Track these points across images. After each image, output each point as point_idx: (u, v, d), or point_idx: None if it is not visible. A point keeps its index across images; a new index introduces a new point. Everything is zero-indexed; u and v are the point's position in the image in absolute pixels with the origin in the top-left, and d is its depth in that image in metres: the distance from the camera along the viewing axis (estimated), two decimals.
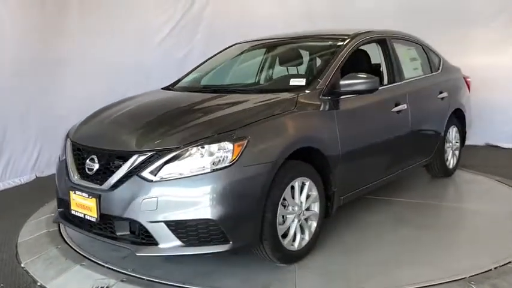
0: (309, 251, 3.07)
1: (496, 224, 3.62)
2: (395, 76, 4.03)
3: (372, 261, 3.00)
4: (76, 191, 2.83)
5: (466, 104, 5.09)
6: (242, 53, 4.18)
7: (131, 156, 2.64)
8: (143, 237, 2.63)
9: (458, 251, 3.15)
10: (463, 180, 4.90)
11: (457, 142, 5.00)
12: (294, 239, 2.97)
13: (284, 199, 2.85)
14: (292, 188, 2.91)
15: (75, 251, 3.23)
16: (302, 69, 3.91)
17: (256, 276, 2.83)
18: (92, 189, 2.74)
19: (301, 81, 3.32)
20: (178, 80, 4.02)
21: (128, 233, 2.69)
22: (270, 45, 4.21)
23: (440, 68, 4.84)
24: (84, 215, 2.79)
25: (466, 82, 5.23)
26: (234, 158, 2.58)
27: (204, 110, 3.04)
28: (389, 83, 3.99)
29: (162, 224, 2.55)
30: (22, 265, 3.14)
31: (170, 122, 2.87)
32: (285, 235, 2.90)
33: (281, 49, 4.21)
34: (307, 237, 3.05)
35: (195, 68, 4.16)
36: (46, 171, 5.36)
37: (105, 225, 2.75)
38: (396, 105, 3.83)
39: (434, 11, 5.92)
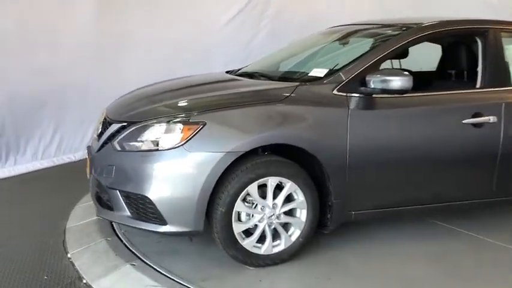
0: (282, 260, 2.77)
1: None
2: (491, 79, 3.15)
3: None
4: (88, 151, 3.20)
5: None
6: (310, 41, 3.88)
7: (111, 125, 2.84)
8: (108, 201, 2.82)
9: None
10: None
11: None
12: (262, 242, 2.72)
13: (249, 195, 2.63)
14: (265, 186, 2.66)
15: (126, 246, 3.00)
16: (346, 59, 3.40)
17: (206, 267, 2.73)
18: (92, 150, 3.06)
19: (322, 72, 2.93)
20: (247, 66, 3.98)
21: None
22: (339, 33, 3.77)
23: None
24: (88, 172, 3.13)
25: None
26: (181, 141, 2.52)
27: (201, 92, 3.00)
28: (481, 87, 3.16)
29: (117, 191, 2.68)
30: (69, 255, 2.96)
31: (160, 99, 2.95)
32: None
33: (344, 38, 3.72)
34: (283, 245, 2.75)
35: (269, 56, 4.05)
36: None
37: (97, 185, 3.03)
38: (475, 116, 3.00)
39: None
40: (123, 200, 2.67)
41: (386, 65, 4.38)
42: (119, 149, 2.70)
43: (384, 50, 2.94)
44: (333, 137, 2.72)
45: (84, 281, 2.67)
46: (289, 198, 2.74)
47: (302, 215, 2.76)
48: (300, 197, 2.73)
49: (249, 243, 2.68)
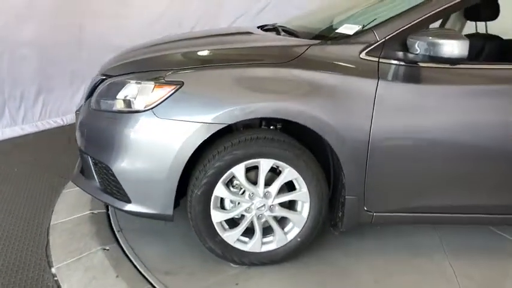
0: (272, 262, 2.23)
1: None
2: None
3: None
4: None
5: None
6: None
7: (95, 79, 2.44)
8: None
9: None
10: None
11: None
12: (250, 236, 2.21)
13: (235, 178, 2.11)
14: (254, 169, 2.12)
15: (131, 262, 2.24)
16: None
17: (180, 256, 2.29)
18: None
19: (351, 29, 2.25)
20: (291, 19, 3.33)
21: None
22: None
23: None
24: None
25: None
26: (150, 103, 2.03)
27: (197, 45, 2.47)
28: None
29: (89, 157, 2.30)
30: (53, 271, 2.20)
31: (150, 51, 2.46)
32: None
33: None
34: (275, 243, 2.22)
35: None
36: None
37: None
38: None
39: None
40: (93, 167, 2.28)
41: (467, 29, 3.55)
42: (93, 106, 2.29)
43: (443, 2, 2.15)
44: (352, 115, 2.06)
45: None
46: (291, 187, 2.18)
47: (304, 209, 2.20)
48: (302, 187, 2.15)
49: (230, 236, 2.18)
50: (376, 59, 2.09)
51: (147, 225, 2.50)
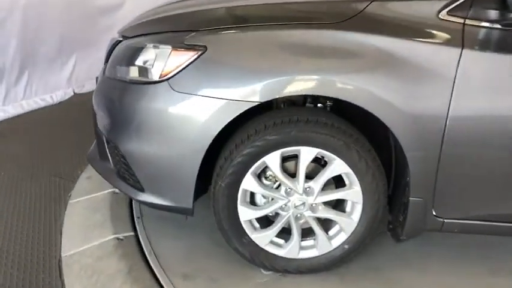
0: (311, 271, 1.83)
1: None
2: None
3: None
4: None
5: None
6: None
7: (112, 40, 2.08)
8: None
9: None
10: None
11: None
12: (286, 238, 1.82)
13: (269, 169, 1.71)
14: (294, 158, 1.70)
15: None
16: None
17: (204, 256, 1.93)
18: None
19: None
20: None
21: None
22: None
23: None
24: None
25: None
26: (166, 73, 1.65)
27: (236, 1, 2.02)
28: None
29: (102, 134, 1.97)
30: None
31: (177, 8, 2.05)
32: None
33: None
34: (316, 250, 1.81)
35: None
36: (88, 85, 3.53)
37: None
38: None
39: None
40: (107, 146, 1.95)
41: None
42: (107, 74, 1.94)
43: None
44: (424, 95, 1.58)
45: None
46: (339, 182, 1.75)
47: (354, 211, 1.76)
48: (353, 183, 1.70)
49: (261, 238, 1.79)
50: (461, 21, 1.57)
51: (170, 214, 2.15)
